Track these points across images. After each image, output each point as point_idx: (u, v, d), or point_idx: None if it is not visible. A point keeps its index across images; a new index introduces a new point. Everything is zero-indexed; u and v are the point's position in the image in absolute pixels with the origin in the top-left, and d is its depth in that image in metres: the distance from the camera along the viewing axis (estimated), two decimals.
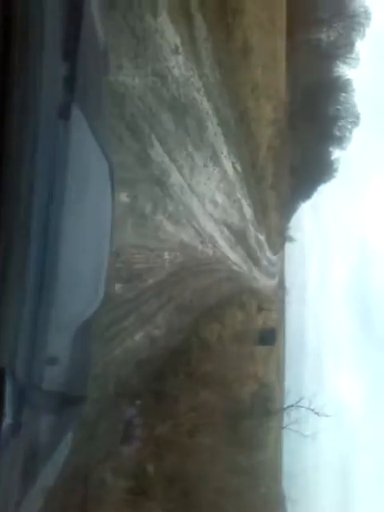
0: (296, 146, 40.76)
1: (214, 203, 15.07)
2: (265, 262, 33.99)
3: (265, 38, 21.05)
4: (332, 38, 42.40)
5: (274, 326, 34.37)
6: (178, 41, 8.70)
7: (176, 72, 8.90)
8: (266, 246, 32.65)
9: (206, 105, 11.77)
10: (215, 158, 14.08)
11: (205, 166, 12.84)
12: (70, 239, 1.94)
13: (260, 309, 30.16)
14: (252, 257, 26.23)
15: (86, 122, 2.05)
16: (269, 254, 35.99)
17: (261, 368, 29.28)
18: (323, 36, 42.23)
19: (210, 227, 14.88)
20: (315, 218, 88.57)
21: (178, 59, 8.91)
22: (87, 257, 2.41)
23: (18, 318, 1.66)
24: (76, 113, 1.87)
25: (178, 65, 8.97)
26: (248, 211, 22.22)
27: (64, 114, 1.80)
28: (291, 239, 53.86)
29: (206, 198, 13.90)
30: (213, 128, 13.01)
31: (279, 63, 30.42)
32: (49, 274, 1.76)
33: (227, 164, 15.83)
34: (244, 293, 25.49)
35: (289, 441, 54.57)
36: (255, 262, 28.09)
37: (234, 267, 21.26)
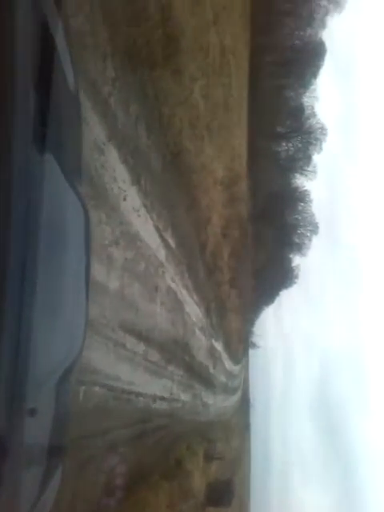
0: (260, 250, 41.17)
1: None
2: (222, 378, 27.52)
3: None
4: (290, 152, 44.32)
5: (230, 478, 26.45)
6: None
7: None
8: (224, 356, 26.90)
9: None
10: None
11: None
12: (46, 290, 1.93)
13: (210, 457, 22.36)
14: (201, 377, 18.79)
15: (60, 167, 2.04)
16: (228, 364, 30.21)
17: None
18: (282, 149, 44.12)
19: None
20: (277, 325, 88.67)
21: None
22: (65, 307, 2.35)
23: None
24: (49, 157, 1.87)
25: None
26: (194, 312, 16.03)
27: (39, 166, 1.78)
28: (254, 345, 52.72)
29: None
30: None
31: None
32: (27, 325, 1.72)
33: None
34: (182, 438, 17.17)
35: None
36: (206, 383, 20.61)
37: (164, 405, 12.64)
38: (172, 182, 11.47)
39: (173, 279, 12.10)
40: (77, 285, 2.53)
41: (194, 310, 15.75)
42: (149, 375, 10.33)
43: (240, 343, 36.58)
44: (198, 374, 17.54)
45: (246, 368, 51.28)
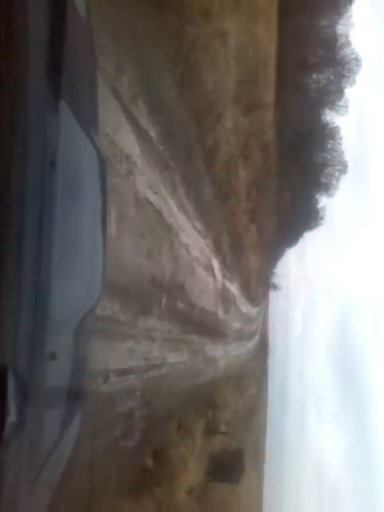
0: (284, 189, 39.64)
1: None
2: (236, 324, 23.72)
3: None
4: (321, 85, 41.79)
5: (239, 448, 21.65)
6: None
7: None
8: (240, 299, 23.55)
9: None
10: None
11: None
12: (65, 237, 1.93)
13: (212, 431, 17.40)
14: (204, 327, 14.47)
15: (75, 117, 2.02)
16: (246, 308, 26.81)
17: None
18: (312, 82, 41.59)
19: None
20: (299, 268, 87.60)
21: None
22: (83, 254, 2.34)
23: (17, 316, 1.65)
24: (64, 108, 1.87)
25: None
26: (196, 244, 12.22)
27: (52, 109, 1.77)
28: (276, 287, 51.68)
29: None
30: None
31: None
32: (46, 272, 1.73)
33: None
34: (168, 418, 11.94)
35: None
36: (211, 334, 16.62)
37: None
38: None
39: (153, 188, 7.94)
40: (94, 230, 2.51)
41: (195, 241, 11.75)
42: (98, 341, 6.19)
43: (260, 285, 33.49)
44: (198, 324, 13.08)
45: (265, 310, 50.68)
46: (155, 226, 8.33)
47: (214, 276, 15.33)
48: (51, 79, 1.77)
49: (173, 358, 11.02)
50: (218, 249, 15.61)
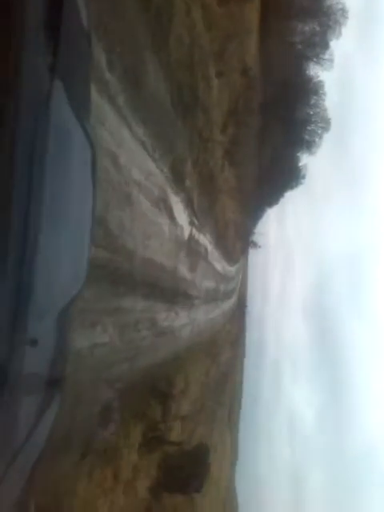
0: (266, 145, 38.50)
1: None
2: (208, 284, 20.29)
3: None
4: (306, 36, 40.19)
5: (203, 445, 16.60)
6: None
7: None
8: (214, 254, 20.31)
9: None
10: None
11: None
12: (51, 223, 1.92)
13: (157, 441, 12.11)
14: (162, 290, 11.36)
15: (69, 104, 2.04)
16: (221, 265, 23.89)
17: None
18: (297, 33, 39.96)
19: None
20: (278, 228, 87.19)
21: None
22: (69, 241, 2.32)
23: None
24: (58, 95, 1.87)
25: None
26: (154, 174, 9.37)
27: (46, 96, 1.78)
28: (255, 245, 50.98)
29: None
30: None
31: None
32: (29, 258, 1.73)
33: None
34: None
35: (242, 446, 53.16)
36: (171, 298, 12.88)
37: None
38: None
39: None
40: (81, 217, 2.50)
41: (138, 158, 8.13)
42: None
43: (238, 239, 31.11)
44: (141, 283, 9.11)
45: (244, 269, 50.13)
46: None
47: (171, 217, 11.21)
48: (47, 61, 1.76)
49: (87, 339, 6.77)
50: (178, 181, 11.33)
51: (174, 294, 13.14)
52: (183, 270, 13.87)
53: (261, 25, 31.85)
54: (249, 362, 63.57)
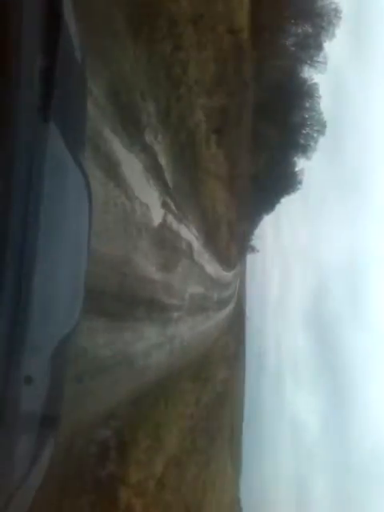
0: (261, 151, 37.69)
1: None
2: (197, 289, 17.22)
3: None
4: (299, 38, 39.45)
5: None
6: None
7: None
8: (203, 255, 17.57)
9: None
10: None
11: None
12: (46, 258, 1.93)
13: None
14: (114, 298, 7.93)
15: (62, 137, 2.03)
16: (213, 268, 20.93)
17: None
18: (290, 35, 39.22)
19: None
20: (275, 233, 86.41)
21: None
22: (64, 276, 2.33)
23: None
24: (52, 128, 1.87)
25: None
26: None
27: (41, 132, 1.77)
28: (253, 249, 49.92)
29: None
30: None
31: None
32: (24, 294, 1.71)
33: None
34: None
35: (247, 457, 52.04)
36: (137, 309, 9.60)
37: None
38: None
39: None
40: (77, 255, 2.51)
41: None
42: None
43: (232, 241, 26.81)
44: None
45: (241, 275, 49.10)
46: None
47: (119, 184, 7.65)
48: (42, 101, 1.72)
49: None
50: (129, 125, 8.03)
51: (127, 303, 8.79)
52: (148, 268, 9.55)
53: (252, 25, 31.05)
54: (249, 372, 62.58)
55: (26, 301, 1.71)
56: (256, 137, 35.72)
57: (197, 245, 15.53)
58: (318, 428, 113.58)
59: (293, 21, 37.25)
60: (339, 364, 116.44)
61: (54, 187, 1.94)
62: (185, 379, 16.04)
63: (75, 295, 2.56)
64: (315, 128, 47.49)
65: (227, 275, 28.66)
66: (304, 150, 49.04)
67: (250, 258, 52.47)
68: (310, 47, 40.21)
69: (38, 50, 1.69)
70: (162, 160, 10.32)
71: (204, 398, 20.10)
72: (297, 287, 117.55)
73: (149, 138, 9.21)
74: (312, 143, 48.87)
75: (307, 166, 54.17)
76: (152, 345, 11.03)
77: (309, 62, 41.69)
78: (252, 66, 26.07)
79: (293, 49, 39.42)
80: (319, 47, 40.60)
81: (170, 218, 11.26)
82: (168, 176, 10.77)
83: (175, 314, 13.53)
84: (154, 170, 9.72)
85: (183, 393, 15.71)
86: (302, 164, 52.52)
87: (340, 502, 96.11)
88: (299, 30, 39.31)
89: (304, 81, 43.06)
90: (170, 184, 11.00)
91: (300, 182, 53.72)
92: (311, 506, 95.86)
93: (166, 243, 10.98)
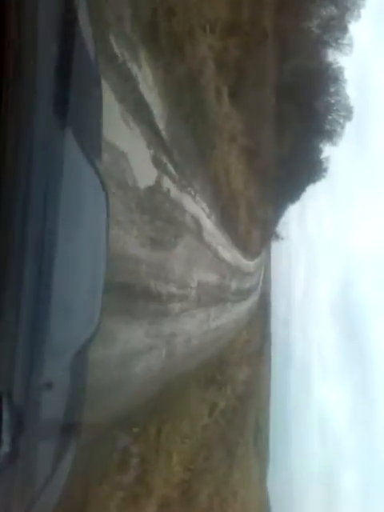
0: (284, 137, 36.96)
1: None
2: (211, 278, 15.24)
3: None
4: (323, 20, 38.41)
5: None
6: None
7: None
8: (219, 238, 15.57)
9: None
10: None
11: None
12: (65, 263, 1.91)
13: None
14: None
15: (77, 140, 2.01)
16: (231, 255, 19.00)
17: None
18: (314, 17, 38.18)
19: None
20: (300, 223, 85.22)
21: None
22: (82, 281, 2.33)
23: (14, 343, 1.60)
24: (69, 136, 1.87)
25: None
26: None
27: (58, 139, 1.77)
28: (278, 236, 48.94)
29: None
30: None
31: None
32: (44, 299, 1.72)
33: None
34: None
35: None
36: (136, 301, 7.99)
37: None
38: None
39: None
40: (95, 260, 2.52)
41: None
42: None
43: (253, 225, 23.88)
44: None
45: (266, 264, 48.26)
46: None
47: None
48: (58, 108, 1.73)
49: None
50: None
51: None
52: (128, 241, 7.11)
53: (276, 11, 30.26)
54: (275, 365, 61.89)
55: (45, 305, 1.72)
56: (280, 121, 35.01)
57: (208, 223, 13.02)
58: (346, 419, 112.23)
59: (316, 2, 36.19)
60: (369, 354, 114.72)
61: (71, 190, 1.93)
62: (192, 387, 13.70)
63: (94, 298, 2.55)
64: (341, 113, 46.37)
65: (248, 264, 26.26)
66: (330, 135, 47.95)
67: (274, 246, 51.43)
68: (335, 29, 39.13)
69: (54, 53, 1.68)
70: (148, 95, 7.49)
71: (221, 405, 18.02)
72: (323, 277, 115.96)
73: (124, 53, 6.37)
74: (338, 128, 47.75)
75: (333, 154, 53.07)
76: (134, 349, 8.31)
77: (334, 44, 40.58)
78: (272, 18, 24.55)
79: (317, 31, 38.36)
80: (344, 29, 39.46)
81: (168, 182, 8.94)
82: (160, 123, 8.21)
83: (176, 306, 10.89)
84: (135, 106, 6.92)
85: (189, 406, 13.17)
86: (328, 151, 51.49)
87: (369, 494, 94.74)
88: (323, 12, 38.23)
89: (329, 64, 41.98)
90: (165, 135, 8.50)
91: (325, 170, 52.60)
92: (340, 496, 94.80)
93: (160, 213, 8.57)
